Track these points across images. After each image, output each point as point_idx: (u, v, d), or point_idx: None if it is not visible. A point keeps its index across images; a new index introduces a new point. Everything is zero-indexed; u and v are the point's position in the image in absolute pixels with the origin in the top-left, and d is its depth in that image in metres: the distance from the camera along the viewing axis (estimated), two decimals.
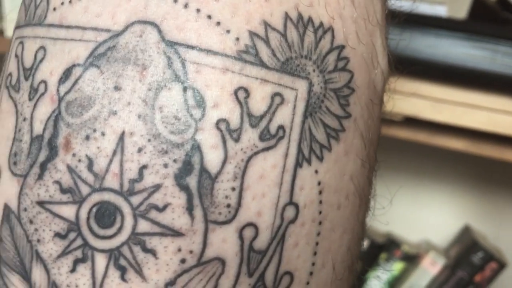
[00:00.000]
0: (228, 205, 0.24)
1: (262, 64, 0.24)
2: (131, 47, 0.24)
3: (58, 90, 0.24)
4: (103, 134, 0.23)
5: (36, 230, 0.24)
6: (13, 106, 0.26)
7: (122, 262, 0.23)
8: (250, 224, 0.24)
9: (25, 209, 0.24)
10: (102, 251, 0.23)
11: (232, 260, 0.24)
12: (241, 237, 0.24)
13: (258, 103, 0.24)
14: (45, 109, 0.24)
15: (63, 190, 0.24)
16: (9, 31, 1.13)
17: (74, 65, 0.24)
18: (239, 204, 0.24)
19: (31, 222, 0.24)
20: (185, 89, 0.23)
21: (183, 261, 0.23)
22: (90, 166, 0.23)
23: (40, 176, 0.24)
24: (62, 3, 0.25)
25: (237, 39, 0.24)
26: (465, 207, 1.36)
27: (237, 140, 0.24)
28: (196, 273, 0.24)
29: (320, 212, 0.26)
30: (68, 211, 0.24)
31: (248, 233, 0.24)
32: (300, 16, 0.25)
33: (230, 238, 0.24)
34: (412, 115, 0.96)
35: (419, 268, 1.25)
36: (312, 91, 0.25)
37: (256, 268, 0.24)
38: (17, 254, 0.25)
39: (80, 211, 0.23)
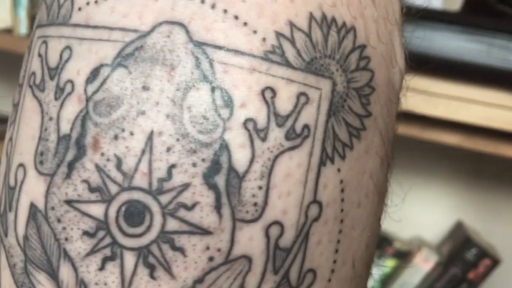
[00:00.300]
0: (255, 204, 0.25)
1: (288, 64, 0.25)
2: (159, 47, 0.25)
3: (85, 90, 0.25)
4: (131, 133, 0.24)
5: (64, 228, 0.25)
6: (38, 105, 0.27)
7: (151, 260, 0.24)
8: (276, 223, 0.25)
9: (53, 208, 0.25)
10: (131, 249, 0.25)
11: (259, 258, 0.25)
12: (267, 235, 0.25)
13: (284, 103, 0.25)
14: (72, 108, 0.25)
15: (92, 189, 0.25)
16: None
17: (101, 65, 0.25)
18: (265, 202, 0.25)
19: (59, 220, 0.25)
20: (213, 89, 0.24)
21: (211, 259, 0.25)
22: (118, 165, 0.24)
23: (68, 175, 0.25)
24: (88, 3, 0.26)
25: (264, 39, 0.25)
26: (458, 202, 1.39)
27: (264, 139, 0.25)
28: (223, 271, 0.25)
29: (342, 210, 0.27)
30: (97, 210, 0.25)
31: (274, 231, 0.25)
32: (324, 16, 0.26)
33: (256, 236, 0.25)
34: (405, 109, 0.98)
35: (412, 265, 1.27)
36: (336, 90, 0.26)
37: (281, 265, 0.26)
38: (44, 252, 0.26)
39: (109, 210, 0.25)
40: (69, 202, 0.25)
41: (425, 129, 1.06)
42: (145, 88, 0.25)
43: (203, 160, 0.24)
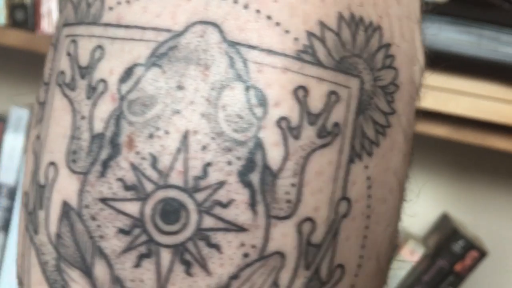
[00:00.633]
0: (288, 201, 0.26)
1: (319, 64, 0.26)
2: (193, 47, 0.26)
3: (119, 89, 0.26)
4: (166, 132, 0.25)
5: (98, 226, 0.26)
6: (69, 104, 0.27)
7: (187, 257, 0.25)
8: (308, 219, 0.26)
9: (87, 206, 0.26)
10: (167, 246, 0.25)
11: (291, 254, 0.26)
12: (299, 231, 0.26)
13: (316, 102, 0.26)
14: (105, 107, 0.26)
15: (127, 187, 0.26)
16: None
17: (135, 65, 0.26)
18: (298, 199, 0.26)
19: (93, 218, 0.26)
20: (247, 88, 0.25)
21: (246, 255, 0.26)
22: (154, 163, 0.25)
23: (103, 174, 0.26)
24: (119, 3, 0.27)
25: (296, 39, 0.26)
26: (443, 195, 1.41)
27: (297, 137, 0.26)
28: (258, 267, 0.26)
29: (369, 206, 0.28)
30: (132, 208, 0.26)
31: (306, 227, 0.26)
32: (352, 16, 0.27)
33: (290, 232, 0.26)
34: None
35: (398, 258, 1.29)
36: (363, 88, 0.27)
37: (312, 261, 0.27)
38: (78, 250, 0.27)
39: (144, 207, 0.25)
40: (103, 200, 0.26)
41: None
42: (179, 87, 0.25)
43: (238, 158, 0.25)
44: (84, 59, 0.27)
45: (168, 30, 0.26)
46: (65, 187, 0.27)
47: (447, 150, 1.36)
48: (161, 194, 0.25)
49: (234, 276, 0.26)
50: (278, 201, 0.26)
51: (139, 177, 0.26)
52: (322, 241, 0.27)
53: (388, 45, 0.28)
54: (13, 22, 1.28)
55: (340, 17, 0.27)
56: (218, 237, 0.25)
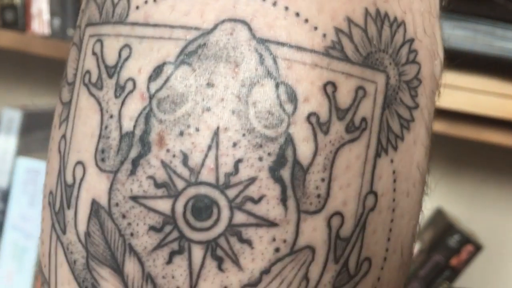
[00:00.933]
0: (318, 196, 0.26)
1: (347, 59, 0.27)
2: (222, 45, 0.26)
3: (148, 88, 0.26)
4: (197, 130, 0.26)
5: (129, 224, 0.26)
6: (96, 104, 0.28)
7: (219, 252, 0.26)
8: (337, 213, 0.27)
9: (117, 204, 0.26)
10: (199, 242, 0.26)
11: (321, 248, 0.27)
12: (329, 225, 0.27)
13: (344, 97, 0.27)
14: (134, 106, 0.27)
15: (158, 185, 0.26)
16: None
17: (164, 63, 0.26)
18: (328, 194, 0.27)
19: (123, 216, 0.26)
20: (277, 85, 0.26)
21: (277, 250, 0.26)
22: (185, 161, 0.26)
23: (133, 172, 0.26)
24: (146, 2, 0.27)
25: (324, 35, 0.26)
26: (437, 189, 1.42)
27: (326, 132, 0.26)
28: (289, 261, 0.26)
29: (394, 200, 0.29)
30: (163, 205, 0.26)
31: (335, 221, 0.27)
32: (377, 12, 0.28)
33: (319, 227, 0.27)
34: None
35: None
36: (389, 83, 0.28)
37: (341, 255, 0.27)
38: (108, 248, 0.27)
39: (176, 204, 0.26)
40: (134, 198, 0.26)
41: None
42: (209, 85, 0.26)
43: (269, 154, 0.26)
44: (111, 58, 0.28)
45: (197, 28, 0.26)
46: (94, 186, 0.27)
47: (442, 145, 1.37)
48: (193, 191, 0.26)
49: (266, 271, 0.26)
50: (308, 196, 0.26)
51: (170, 175, 0.26)
52: (350, 234, 0.27)
53: (411, 40, 0.29)
54: (3, 23, 1.28)
55: (366, 13, 0.27)
56: (250, 233, 0.26)
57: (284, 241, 0.26)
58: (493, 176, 1.38)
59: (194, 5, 0.27)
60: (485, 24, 0.96)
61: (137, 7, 0.27)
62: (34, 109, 1.33)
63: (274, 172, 0.26)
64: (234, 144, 0.26)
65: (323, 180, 0.26)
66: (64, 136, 0.29)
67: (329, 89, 0.26)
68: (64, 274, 0.28)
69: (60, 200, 0.29)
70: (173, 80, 0.26)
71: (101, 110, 0.27)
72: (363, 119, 0.27)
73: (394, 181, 0.28)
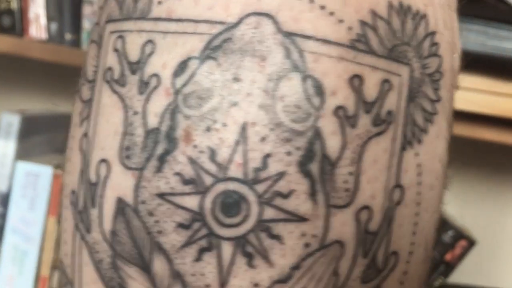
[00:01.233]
0: (347, 190, 0.26)
1: (373, 52, 0.26)
2: (248, 39, 0.25)
3: (173, 83, 0.26)
4: (224, 125, 0.25)
5: (156, 222, 0.25)
6: (119, 101, 0.27)
7: (249, 249, 0.25)
8: (366, 207, 0.26)
9: (144, 202, 0.26)
10: (229, 239, 0.25)
11: (350, 242, 0.26)
12: (357, 220, 0.26)
13: (371, 90, 0.26)
14: (159, 102, 0.26)
15: (185, 181, 0.25)
16: None
17: (189, 58, 0.26)
18: (356, 188, 0.26)
19: (151, 214, 0.25)
20: (304, 78, 0.25)
21: (307, 245, 0.25)
22: (212, 156, 0.25)
23: (159, 169, 0.25)
24: None
25: (350, 28, 0.26)
26: None
27: (353, 126, 0.26)
28: (318, 257, 0.26)
29: (419, 193, 0.28)
30: (192, 202, 0.25)
31: (364, 215, 0.26)
32: (401, 4, 0.27)
33: (348, 221, 0.26)
34: None
35: None
36: (413, 76, 0.27)
37: (369, 249, 0.26)
38: (135, 246, 0.26)
39: (204, 201, 0.25)
40: (161, 195, 0.25)
41: None
42: (236, 79, 0.25)
43: (297, 148, 0.25)
44: (133, 54, 0.27)
45: (221, 23, 0.26)
46: (119, 184, 0.26)
47: None
48: (221, 187, 0.25)
49: (296, 267, 0.25)
50: (337, 190, 0.26)
51: (197, 171, 0.25)
52: (378, 228, 0.27)
53: (433, 33, 0.28)
54: (0, 28, 1.26)
55: (390, 5, 0.27)
56: (279, 228, 0.25)
57: (314, 236, 0.25)
58: (486, 173, 1.38)
59: (217, 0, 0.26)
60: (477, 23, 0.96)
61: (160, 2, 0.27)
62: (32, 113, 1.32)
63: (303, 166, 0.25)
64: (262, 139, 0.25)
65: (351, 174, 0.26)
66: (86, 134, 0.28)
67: (356, 82, 0.26)
68: (89, 274, 0.28)
69: (83, 199, 0.28)
70: (198, 75, 0.25)
71: (125, 107, 0.27)
72: (389, 112, 0.26)
73: (419, 174, 0.28)
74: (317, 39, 0.25)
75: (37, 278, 1.27)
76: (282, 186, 0.25)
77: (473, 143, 1.17)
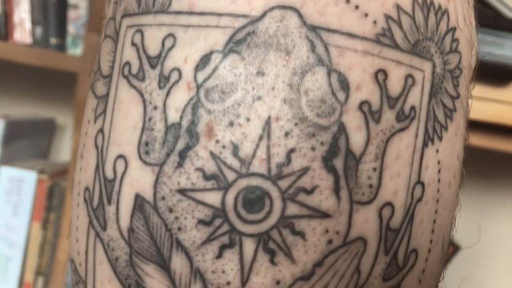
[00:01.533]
0: (370, 185, 0.25)
1: (397, 47, 0.26)
2: (272, 32, 0.25)
3: (195, 77, 0.25)
4: (248, 119, 0.24)
5: (176, 218, 0.25)
6: (138, 95, 0.26)
7: (271, 245, 0.24)
8: (388, 204, 0.26)
9: (163, 198, 0.25)
10: (251, 235, 0.24)
11: (373, 239, 0.25)
12: (380, 216, 0.26)
13: (395, 85, 0.26)
14: (181, 96, 0.25)
15: (207, 177, 0.24)
16: None
17: (212, 52, 0.25)
18: (379, 184, 0.25)
19: (170, 210, 0.25)
20: (329, 73, 0.25)
21: (330, 241, 0.25)
22: (235, 152, 0.24)
23: (180, 164, 0.25)
24: None
25: (375, 22, 0.25)
26: None
27: (378, 121, 0.25)
28: (341, 253, 0.25)
29: (438, 191, 0.28)
30: (213, 198, 0.24)
31: (386, 212, 0.26)
32: (424, 0, 0.27)
33: (371, 217, 0.25)
34: None
35: None
36: (435, 72, 0.27)
37: (391, 246, 0.26)
38: (153, 243, 0.25)
39: (226, 197, 0.24)
40: (182, 191, 0.25)
41: None
42: (260, 73, 0.25)
43: (321, 143, 0.24)
44: (153, 49, 0.26)
45: (245, 16, 0.25)
46: (138, 180, 0.26)
47: None
48: (244, 182, 0.24)
49: (319, 264, 0.25)
50: (361, 186, 0.25)
51: (219, 166, 0.24)
52: (400, 225, 0.26)
53: (454, 29, 0.28)
54: None
55: (414, 0, 0.26)
56: (302, 224, 0.24)
57: (337, 232, 0.25)
58: (470, 178, 1.38)
59: None
60: None
61: None
62: (17, 118, 1.30)
63: (327, 162, 0.25)
64: (286, 134, 0.24)
65: (375, 169, 0.25)
66: (101, 130, 0.27)
67: (380, 76, 0.25)
68: (104, 272, 0.27)
69: (99, 196, 0.27)
70: (221, 69, 0.25)
71: (144, 101, 0.26)
72: (412, 108, 0.26)
73: (439, 171, 0.27)
74: (342, 33, 0.25)
75: (21, 284, 1.25)
76: (305, 181, 0.24)
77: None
